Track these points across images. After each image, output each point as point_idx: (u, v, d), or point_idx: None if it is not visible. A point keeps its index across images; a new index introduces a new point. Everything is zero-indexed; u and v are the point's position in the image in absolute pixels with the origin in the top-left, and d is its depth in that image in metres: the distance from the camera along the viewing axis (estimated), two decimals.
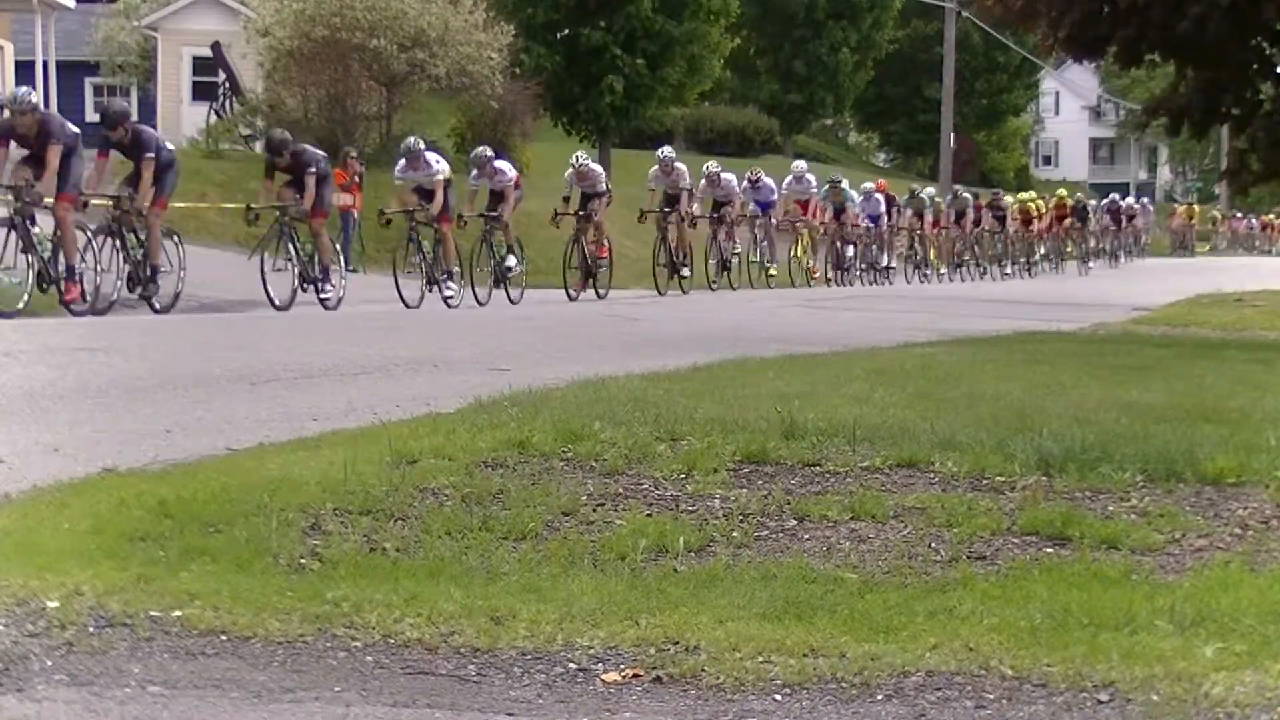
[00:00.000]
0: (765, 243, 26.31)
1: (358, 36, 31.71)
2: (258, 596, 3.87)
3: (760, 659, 3.56)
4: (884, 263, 30.57)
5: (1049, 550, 4.53)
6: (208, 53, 36.17)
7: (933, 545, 4.56)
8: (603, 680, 3.51)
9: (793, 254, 27.33)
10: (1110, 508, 4.97)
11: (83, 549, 4.17)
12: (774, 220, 26.59)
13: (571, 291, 20.77)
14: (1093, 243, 42.41)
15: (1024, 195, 40.91)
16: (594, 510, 4.85)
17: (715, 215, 24.76)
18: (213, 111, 34.82)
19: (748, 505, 4.94)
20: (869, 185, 31.61)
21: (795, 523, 4.79)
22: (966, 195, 36.46)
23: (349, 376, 8.69)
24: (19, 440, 5.90)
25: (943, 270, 33.13)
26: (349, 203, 24.82)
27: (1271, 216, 68.60)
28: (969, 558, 4.44)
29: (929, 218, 32.63)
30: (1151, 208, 56.44)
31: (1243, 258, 55.92)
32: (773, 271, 26.24)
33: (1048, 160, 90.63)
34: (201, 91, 36.62)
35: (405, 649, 3.65)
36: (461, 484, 5.04)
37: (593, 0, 41.15)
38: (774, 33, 59.66)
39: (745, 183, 26.27)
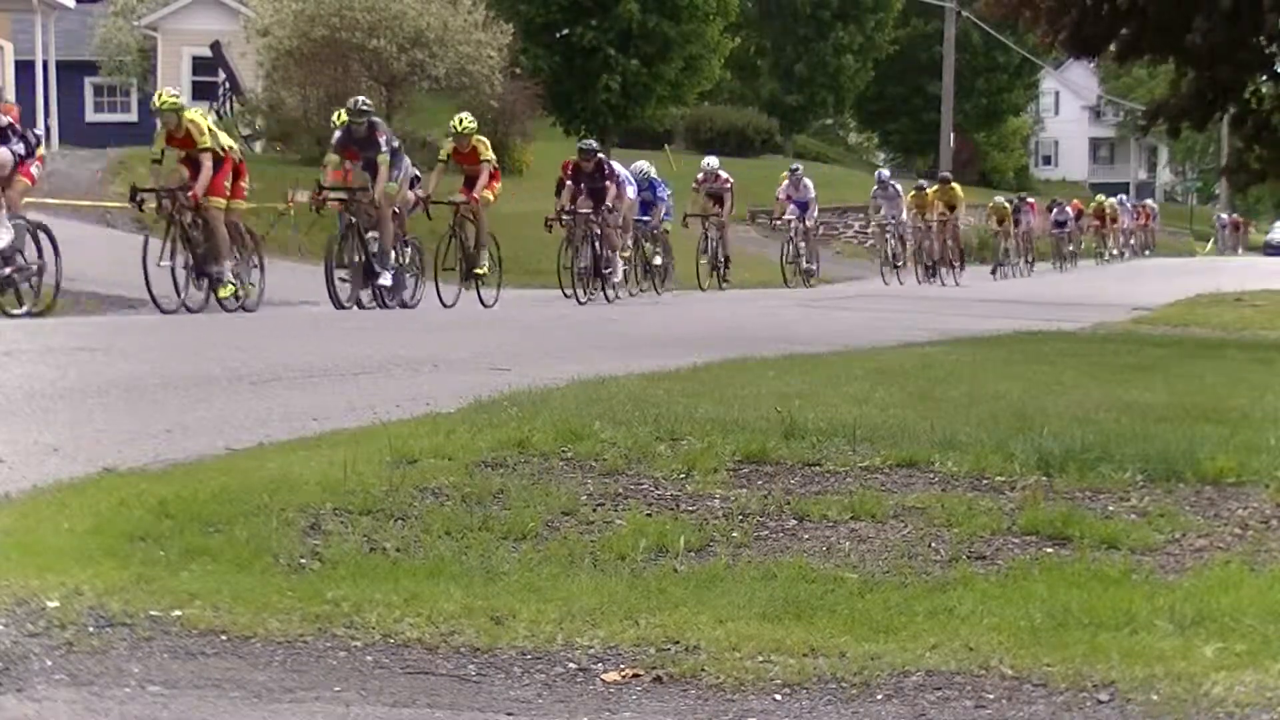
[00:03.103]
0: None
1: (357, 36, 31.73)
2: (258, 596, 3.87)
3: (760, 659, 3.56)
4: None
5: (1049, 550, 4.53)
6: (207, 52, 36.21)
7: (933, 545, 4.56)
8: (603, 680, 3.50)
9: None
10: (1110, 508, 4.97)
11: (83, 549, 4.17)
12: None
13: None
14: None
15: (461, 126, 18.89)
16: (594, 510, 4.85)
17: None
18: (213, 111, 34.78)
19: (748, 505, 4.93)
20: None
21: (795, 523, 4.79)
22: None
23: (349, 376, 8.68)
24: (19, 440, 5.89)
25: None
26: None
27: (1101, 199, 46.83)
28: (969, 558, 4.44)
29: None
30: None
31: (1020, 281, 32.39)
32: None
33: (1048, 160, 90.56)
34: (201, 91, 36.61)
35: (405, 649, 3.64)
36: (461, 484, 5.04)
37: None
38: (776, 32, 59.63)
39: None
